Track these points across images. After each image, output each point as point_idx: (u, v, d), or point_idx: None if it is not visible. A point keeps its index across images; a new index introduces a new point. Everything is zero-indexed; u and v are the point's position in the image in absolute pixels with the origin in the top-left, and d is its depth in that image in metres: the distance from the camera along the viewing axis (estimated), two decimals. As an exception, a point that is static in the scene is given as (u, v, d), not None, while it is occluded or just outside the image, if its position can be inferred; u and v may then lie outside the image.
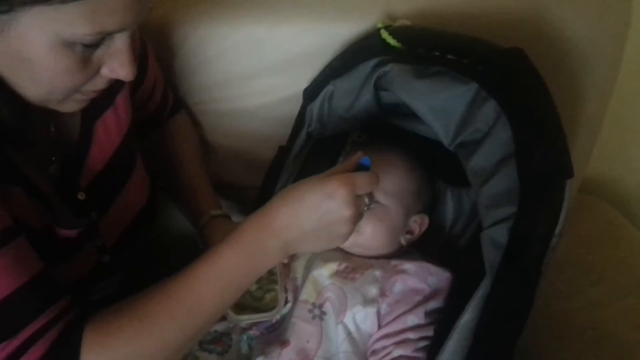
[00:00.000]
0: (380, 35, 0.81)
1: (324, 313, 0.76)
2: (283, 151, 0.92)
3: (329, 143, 0.94)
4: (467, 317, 0.65)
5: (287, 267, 0.81)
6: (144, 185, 0.85)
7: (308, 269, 0.81)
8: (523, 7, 0.90)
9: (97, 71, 0.61)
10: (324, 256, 0.81)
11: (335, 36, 0.93)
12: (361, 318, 0.74)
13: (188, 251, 0.71)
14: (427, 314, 0.74)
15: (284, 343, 0.75)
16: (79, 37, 0.55)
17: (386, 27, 0.82)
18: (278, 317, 0.78)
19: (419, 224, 0.84)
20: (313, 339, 0.74)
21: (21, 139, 0.64)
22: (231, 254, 0.64)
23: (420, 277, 0.76)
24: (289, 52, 0.96)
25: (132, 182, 0.82)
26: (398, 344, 0.72)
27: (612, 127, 1.09)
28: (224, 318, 0.76)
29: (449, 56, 0.73)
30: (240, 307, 0.77)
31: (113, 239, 0.79)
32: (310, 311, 0.76)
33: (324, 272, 0.79)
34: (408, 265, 0.77)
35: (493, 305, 0.63)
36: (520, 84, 0.68)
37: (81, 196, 0.74)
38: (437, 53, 0.74)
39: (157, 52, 0.93)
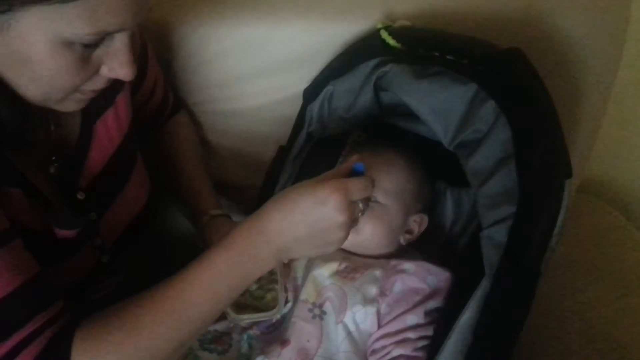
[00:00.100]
0: (380, 36, 0.81)
1: (324, 312, 0.76)
2: (283, 151, 0.92)
3: (329, 143, 0.94)
4: (467, 317, 0.65)
5: (287, 266, 0.82)
6: (144, 186, 0.85)
7: (308, 268, 0.81)
8: (522, 8, 0.90)
9: (96, 71, 0.61)
10: (324, 256, 0.81)
11: (335, 36, 0.93)
12: (361, 317, 0.74)
13: (188, 251, 0.71)
14: (427, 313, 0.74)
15: (284, 342, 0.75)
16: (78, 37, 0.55)
17: (386, 28, 0.82)
18: (278, 316, 0.78)
19: (418, 223, 0.85)
20: (313, 339, 0.74)
21: (20, 140, 0.64)
22: (222, 260, 0.63)
23: (419, 277, 0.76)
24: (289, 52, 0.96)
25: (132, 182, 0.82)
26: (398, 343, 0.72)
27: (612, 127, 1.09)
28: (224, 317, 0.76)
29: (448, 57, 0.73)
30: (241, 306, 0.77)
31: (112, 238, 0.79)
32: (311, 311, 0.76)
33: (324, 272, 0.79)
34: (408, 265, 0.77)
35: (492, 304, 0.63)
36: (520, 84, 0.69)
37: (81, 196, 0.74)
38: (437, 53, 0.75)
39: (157, 52, 0.93)
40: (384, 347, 0.72)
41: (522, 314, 0.63)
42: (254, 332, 0.79)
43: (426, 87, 0.73)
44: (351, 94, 0.83)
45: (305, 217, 0.62)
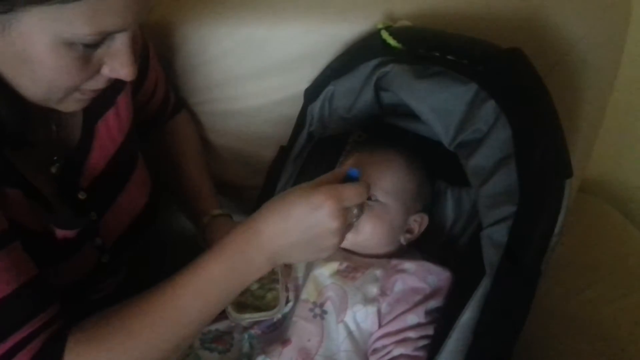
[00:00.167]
0: (380, 36, 0.81)
1: (325, 312, 0.76)
2: (284, 151, 0.92)
3: (330, 143, 0.94)
4: (467, 316, 0.65)
5: (288, 266, 0.82)
6: (145, 186, 0.85)
7: (309, 268, 0.81)
8: (522, 8, 0.90)
9: (97, 70, 0.61)
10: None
11: (336, 37, 0.93)
12: (362, 317, 0.74)
13: (188, 251, 0.71)
14: (427, 313, 0.74)
15: (285, 342, 0.75)
16: (79, 37, 0.55)
17: (387, 28, 0.82)
18: (279, 316, 0.79)
19: (418, 223, 0.85)
20: (314, 338, 0.74)
21: (21, 140, 0.64)
22: (214, 266, 0.63)
23: (420, 277, 0.76)
24: (289, 52, 0.96)
25: (133, 183, 0.82)
26: (398, 342, 0.72)
27: (613, 127, 1.09)
28: (225, 317, 0.76)
29: (448, 57, 0.73)
30: (242, 306, 0.77)
31: (113, 238, 0.79)
32: (312, 310, 0.77)
33: (325, 272, 0.79)
34: (408, 265, 0.78)
35: (493, 304, 0.63)
36: (520, 84, 0.69)
37: (82, 196, 0.74)
38: (437, 53, 0.75)
39: (158, 52, 0.93)
40: (384, 346, 0.73)
41: (522, 313, 0.63)
42: (255, 331, 0.79)
43: (427, 87, 0.73)
44: (352, 94, 0.83)
45: (299, 223, 0.62)
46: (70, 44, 0.55)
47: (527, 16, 0.90)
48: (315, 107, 0.88)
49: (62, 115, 0.70)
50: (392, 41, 0.80)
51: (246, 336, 0.79)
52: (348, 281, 0.77)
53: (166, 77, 0.97)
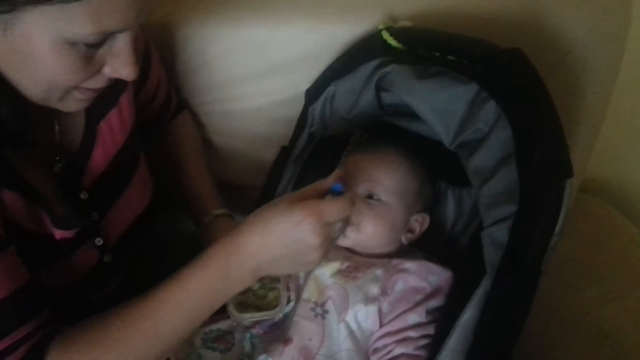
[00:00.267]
0: (381, 36, 0.81)
1: (326, 311, 0.76)
2: (285, 151, 0.92)
3: (331, 143, 0.94)
4: (468, 316, 0.65)
5: (289, 266, 0.82)
6: (147, 186, 0.86)
7: (310, 268, 0.81)
8: (522, 8, 0.90)
9: (98, 70, 0.61)
10: (326, 255, 0.81)
11: (337, 37, 0.93)
12: (363, 316, 0.75)
13: (188, 251, 0.71)
14: (428, 312, 0.74)
15: (286, 341, 0.75)
16: (81, 37, 0.55)
17: (387, 28, 0.83)
18: (281, 315, 0.79)
19: (419, 222, 0.85)
20: (315, 337, 0.75)
21: (21, 139, 0.64)
22: (195, 280, 0.63)
23: (421, 276, 0.76)
24: (290, 53, 0.96)
25: (135, 183, 0.82)
26: (399, 342, 0.72)
27: (612, 127, 1.09)
28: (227, 316, 0.77)
29: (449, 57, 0.73)
30: (243, 305, 0.78)
31: (114, 238, 0.79)
32: (313, 309, 0.77)
33: (326, 271, 0.79)
34: (409, 264, 0.78)
35: (493, 303, 0.63)
36: (520, 84, 0.69)
37: (84, 196, 0.74)
38: (438, 54, 0.75)
39: (159, 52, 0.94)
40: (385, 345, 0.73)
41: (523, 313, 0.63)
42: (256, 331, 0.80)
43: (427, 87, 0.73)
44: (353, 95, 0.83)
45: (281, 239, 0.63)
46: (72, 44, 0.56)
47: (527, 16, 0.90)
48: (316, 107, 0.89)
49: (64, 115, 0.71)
50: (392, 41, 0.80)
51: (248, 335, 0.79)
52: (349, 281, 0.77)
53: (167, 77, 0.97)
